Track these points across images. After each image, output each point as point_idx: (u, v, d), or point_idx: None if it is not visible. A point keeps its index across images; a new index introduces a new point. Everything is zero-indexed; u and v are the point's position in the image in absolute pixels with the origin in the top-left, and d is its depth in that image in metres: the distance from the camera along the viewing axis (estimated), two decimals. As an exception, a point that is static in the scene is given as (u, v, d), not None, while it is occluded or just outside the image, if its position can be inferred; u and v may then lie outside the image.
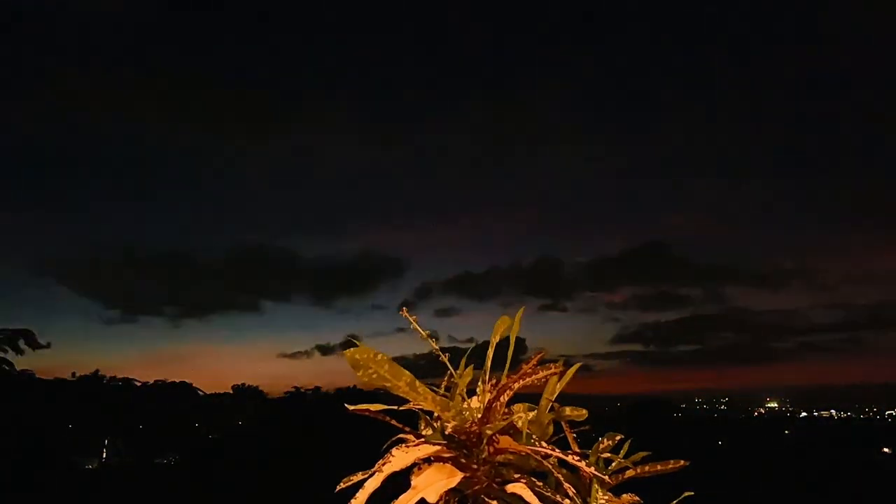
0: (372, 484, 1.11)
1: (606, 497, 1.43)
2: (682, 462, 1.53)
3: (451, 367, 1.40)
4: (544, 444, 1.25)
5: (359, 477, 1.23)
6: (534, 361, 1.35)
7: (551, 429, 1.43)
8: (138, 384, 37.74)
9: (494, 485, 1.22)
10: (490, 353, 1.41)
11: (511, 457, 1.26)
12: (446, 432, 1.25)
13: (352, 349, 1.16)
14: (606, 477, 1.43)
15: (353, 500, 1.09)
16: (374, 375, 1.18)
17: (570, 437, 1.49)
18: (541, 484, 1.19)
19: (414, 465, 1.13)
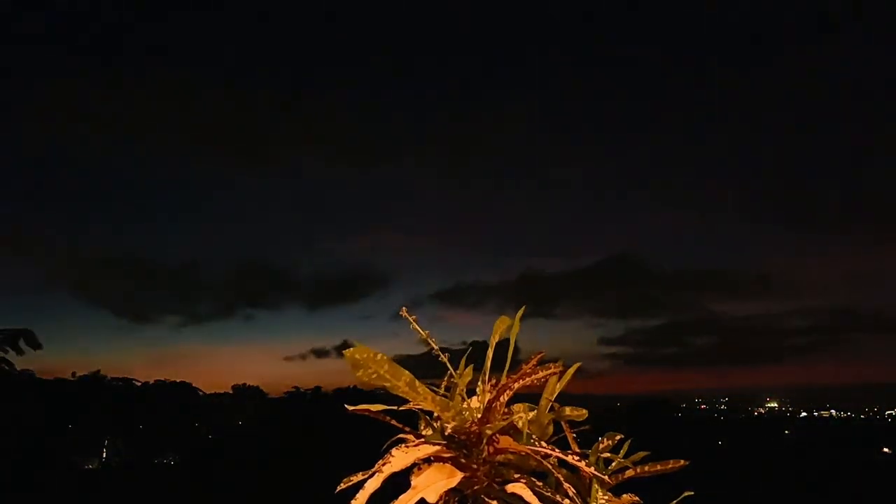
0: (372, 484, 1.11)
1: (606, 497, 1.43)
2: (682, 462, 1.53)
3: (450, 367, 1.40)
4: (544, 444, 1.25)
5: (359, 477, 1.23)
6: (534, 361, 1.35)
7: (551, 429, 1.43)
8: (138, 384, 37.74)
9: (494, 485, 1.22)
10: (490, 352, 1.41)
11: (511, 457, 1.26)
12: (446, 432, 1.25)
13: (351, 349, 1.16)
14: (606, 477, 1.43)
15: (353, 501, 1.10)
16: (374, 375, 1.18)
17: (570, 437, 1.49)
18: (541, 484, 1.19)
19: (414, 465, 1.13)
